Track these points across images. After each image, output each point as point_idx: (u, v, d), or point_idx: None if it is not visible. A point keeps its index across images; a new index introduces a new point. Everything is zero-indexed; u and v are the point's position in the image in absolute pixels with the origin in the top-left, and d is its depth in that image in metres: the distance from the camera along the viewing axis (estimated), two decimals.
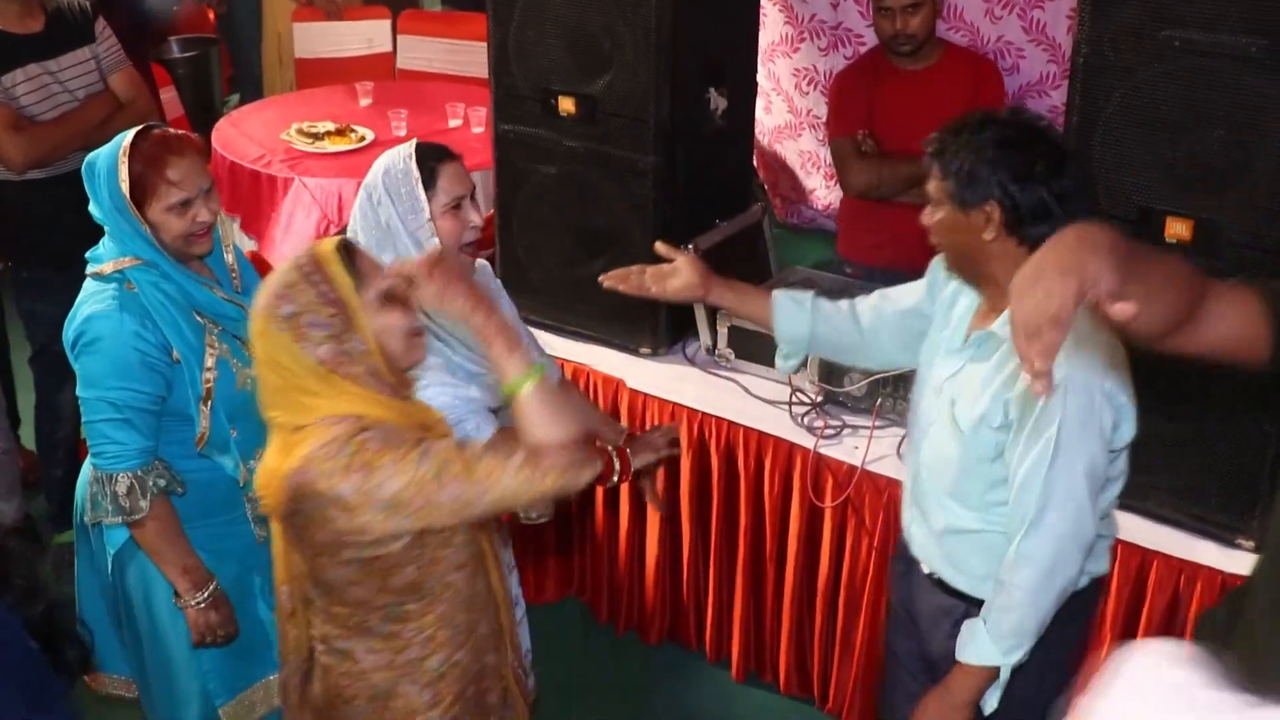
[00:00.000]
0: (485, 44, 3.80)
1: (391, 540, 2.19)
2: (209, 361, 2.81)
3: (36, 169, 3.97)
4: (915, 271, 3.77)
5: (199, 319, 2.82)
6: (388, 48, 7.08)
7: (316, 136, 5.28)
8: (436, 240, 2.73)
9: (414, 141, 2.81)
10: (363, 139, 5.30)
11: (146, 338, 2.74)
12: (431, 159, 2.76)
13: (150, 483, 2.78)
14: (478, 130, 5.34)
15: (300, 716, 2.46)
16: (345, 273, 2.20)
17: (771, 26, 4.80)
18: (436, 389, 2.72)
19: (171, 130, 2.87)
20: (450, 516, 2.18)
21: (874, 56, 4.17)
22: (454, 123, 5.51)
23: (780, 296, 2.88)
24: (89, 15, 4.17)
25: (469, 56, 6.50)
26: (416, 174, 2.72)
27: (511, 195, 3.84)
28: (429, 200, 2.73)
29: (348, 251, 2.24)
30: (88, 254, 2.86)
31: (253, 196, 5.12)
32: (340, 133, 5.33)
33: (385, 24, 7.09)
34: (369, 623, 2.30)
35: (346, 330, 2.19)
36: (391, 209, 2.73)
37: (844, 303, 2.89)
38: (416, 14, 7.32)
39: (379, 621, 2.30)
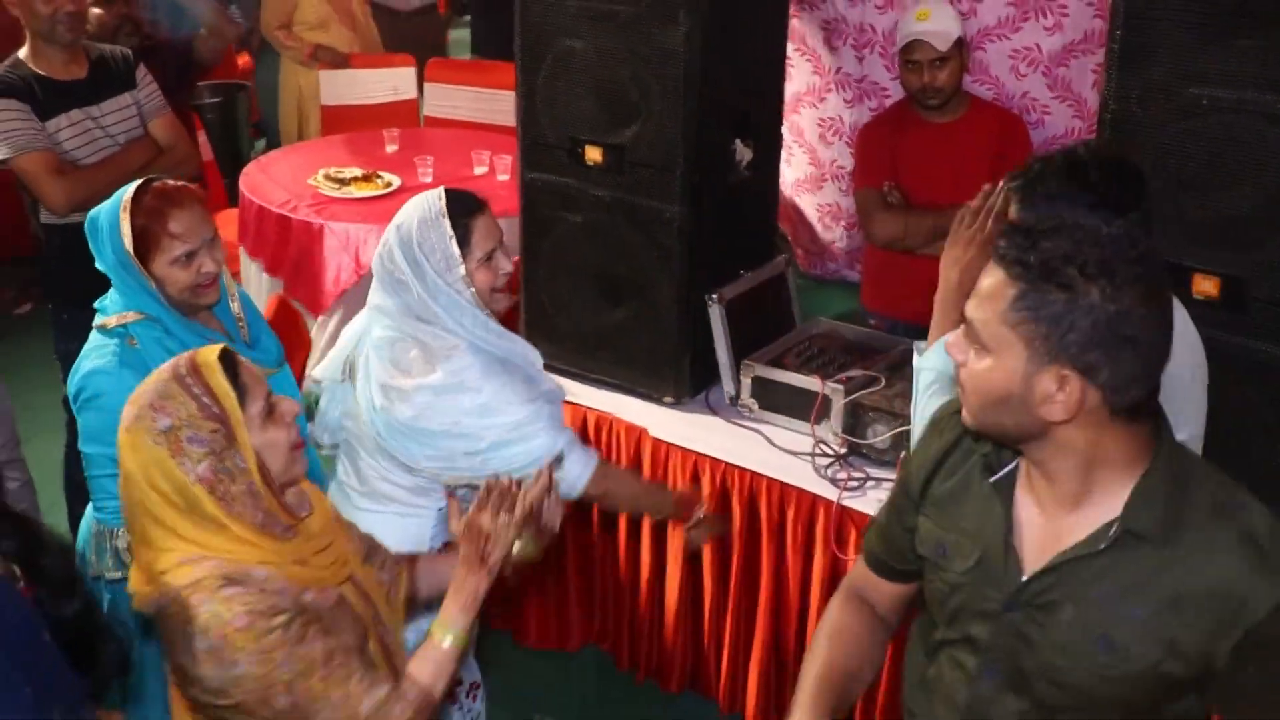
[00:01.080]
0: (513, 93, 3.83)
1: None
2: None
3: (78, 212, 4.01)
4: None
5: None
6: (412, 95, 7.17)
7: (343, 182, 5.32)
8: (471, 291, 2.80)
9: (443, 193, 2.85)
10: (389, 185, 5.35)
11: None
12: (464, 215, 2.82)
13: None
14: (503, 178, 5.38)
15: None
16: (228, 384, 2.06)
17: (798, 77, 4.84)
18: (519, 409, 2.88)
19: (172, 182, 2.86)
20: (274, 715, 2.04)
21: (900, 109, 4.20)
22: (479, 170, 5.56)
23: None
24: (131, 62, 4.26)
25: (495, 105, 6.58)
26: (450, 233, 2.79)
27: (537, 243, 3.86)
28: (465, 257, 2.80)
29: (230, 361, 2.11)
30: (96, 304, 2.86)
31: (279, 241, 5.17)
32: (367, 179, 5.37)
33: (410, 71, 7.19)
34: None
35: (228, 447, 2.04)
36: (427, 266, 2.79)
37: None
38: (444, 62, 7.40)
39: None
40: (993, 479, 1.97)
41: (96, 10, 4.59)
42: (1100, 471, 1.83)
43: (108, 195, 3.94)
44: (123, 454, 2.05)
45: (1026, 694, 1.96)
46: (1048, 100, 4.35)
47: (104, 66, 4.16)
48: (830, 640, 2.25)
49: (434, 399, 2.83)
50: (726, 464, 3.53)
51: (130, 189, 2.79)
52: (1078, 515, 1.87)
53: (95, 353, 2.79)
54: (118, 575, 2.78)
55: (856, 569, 2.35)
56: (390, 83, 7.16)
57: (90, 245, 2.81)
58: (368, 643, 2.29)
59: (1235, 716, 1.87)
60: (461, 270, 2.80)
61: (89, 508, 2.90)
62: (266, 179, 5.49)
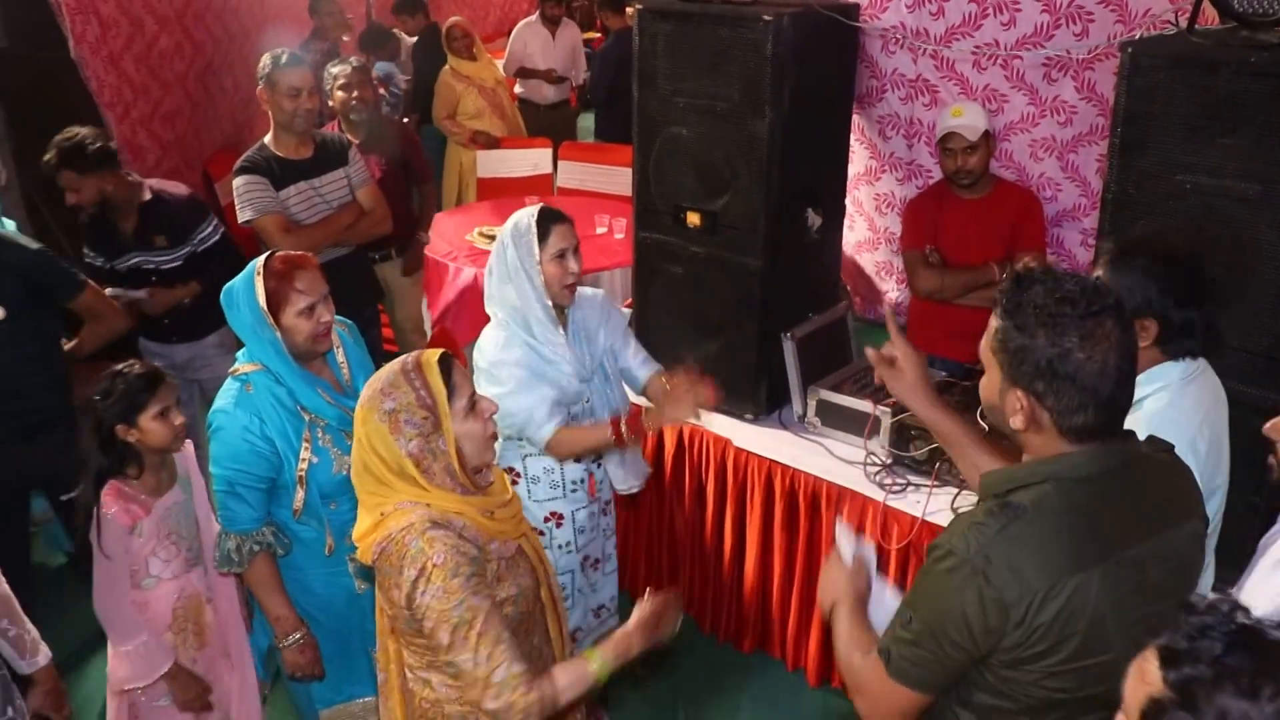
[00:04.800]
0: (628, 169, 3.90)
1: None
2: (304, 452, 2.77)
3: None
4: (971, 361, 3.76)
5: (305, 416, 2.78)
6: (548, 170, 7.26)
7: (493, 238, 5.40)
8: (541, 279, 2.95)
9: (540, 205, 3.02)
10: None
11: (254, 431, 2.72)
12: (548, 220, 2.97)
13: (249, 546, 2.78)
14: (619, 236, 5.45)
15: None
16: (441, 382, 2.14)
17: (858, 160, 4.85)
18: (523, 397, 2.94)
19: (292, 253, 2.86)
20: (434, 646, 2.09)
21: (939, 186, 4.20)
22: (600, 229, 5.62)
23: None
24: (345, 145, 4.41)
25: (614, 178, 6.65)
26: (535, 229, 2.95)
27: (646, 289, 3.91)
28: (541, 250, 2.94)
29: (446, 364, 2.17)
30: (238, 353, 2.85)
31: (438, 282, 5.30)
32: None
33: (547, 152, 7.29)
34: (438, 663, 2.17)
35: (434, 432, 2.12)
36: (514, 251, 2.95)
37: None
38: (574, 145, 7.50)
39: (445, 664, 2.15)
40: None
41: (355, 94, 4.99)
42: None
43: (322, 246, 4.08)
44: (357, 424, 2.15)
45: None
46: (1060, 181, 4.32)
47: (325, 148, 4.30)
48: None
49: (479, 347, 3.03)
50: (794, 469, 3.55)
51: (260, 260, 2.76)
52: None
53: (223, 394, 2.79)
54: (228, 568, 2.82)
55: None
56: (532, 160, 7.27)
57: (225, 312, 2.77)
58: (540, 589, 2.34)
59: None
60: (536, 258, 2.93)
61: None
62: (435, 235, 5.62)
